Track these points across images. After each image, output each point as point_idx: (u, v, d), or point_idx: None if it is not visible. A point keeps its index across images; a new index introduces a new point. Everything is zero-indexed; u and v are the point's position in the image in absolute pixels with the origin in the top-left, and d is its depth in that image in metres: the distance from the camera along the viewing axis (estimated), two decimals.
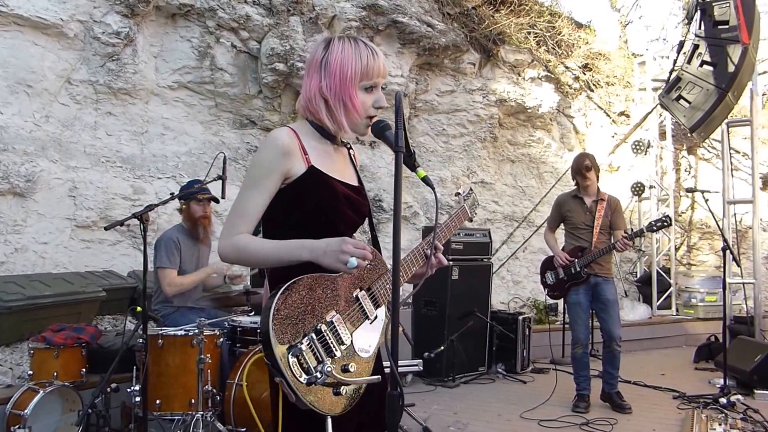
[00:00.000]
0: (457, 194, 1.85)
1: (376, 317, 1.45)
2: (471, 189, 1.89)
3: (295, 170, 1.40)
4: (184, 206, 3.50)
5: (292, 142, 1.41)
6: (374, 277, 1.47)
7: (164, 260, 3.34)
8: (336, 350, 1.34)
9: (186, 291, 3.41)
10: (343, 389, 1.32)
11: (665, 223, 3.97)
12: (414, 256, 1.54)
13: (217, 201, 3.43)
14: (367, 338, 1.42)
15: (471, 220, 1.85)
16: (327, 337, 1.33)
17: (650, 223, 4.02)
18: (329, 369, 1.28)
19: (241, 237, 1.39)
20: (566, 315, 5.41)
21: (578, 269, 3.92)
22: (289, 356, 1.26)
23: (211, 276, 3.56)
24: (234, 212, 1.41)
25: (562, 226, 4.21)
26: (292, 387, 1.25)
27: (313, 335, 1.31)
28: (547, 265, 4.19)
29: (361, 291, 1.43)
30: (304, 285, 1.32)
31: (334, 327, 1.35)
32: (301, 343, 1.28)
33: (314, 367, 1.28)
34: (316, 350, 1.30)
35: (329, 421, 1.33)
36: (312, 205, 1.41)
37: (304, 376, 1.27)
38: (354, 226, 1.54)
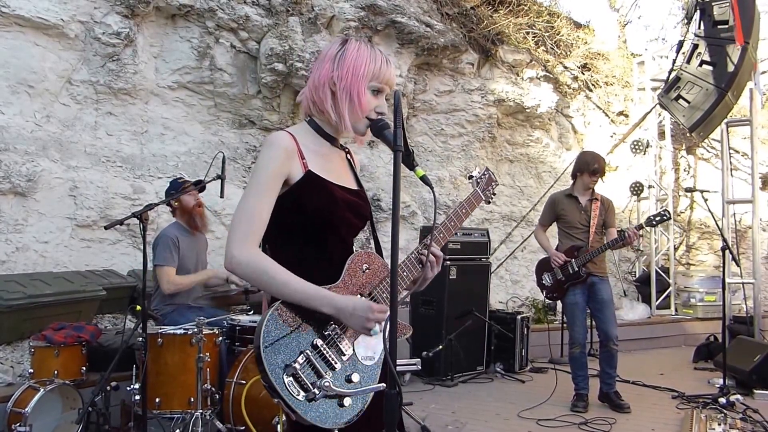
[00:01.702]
0: (470, 177, 1.78)
1: None
2: (487, 169, 1.82)
3: (294, 175, 1.40)
4: (176, 204, 3.52)
5: (291, 145, 1.41)
6: (375, 282, 1.45)
7: (163, 258, 3.36)
8: (336, 363, 1.33)
9: (184, 290, 3.43)
10: (347, 400, 1.31)
11: (665, 218, 3.91)
12: (410, 261, 1.51)
13: (203, 188, 3.45)
14: (371, 345, 1.41)
15: (488, 203, 1.79)
16: (325, 351, 1.32)
17: (649, 217, 3.95)
18: (327, 384, 1.27)
19: (266, 261, 1.34)
20: (563, 315, 5.44)
21: (576, 269, 3.91)
22: (284, 376, 1.24)
23: (211, 278, 3.58)
24: (244, 218, 1.35)
25: (554, 224, 4.19)
26: (290, 407, 1.24)
27: (309, 351, 1.30)
28: (543, 266, 4.15)
29: (361, 298, 1.41)
30: None
31: (333, 340, 1.34)
32: (296, 362, 1.26)
33: (312, 383, 1.27)
34: (314, 366, 1.29)
35: None
36: (312, 211, 1.40)
37: (302, 393, 1.25)
38: (355, 230, 1.53)
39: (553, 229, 4.20)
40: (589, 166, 3.91)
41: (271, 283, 1.33)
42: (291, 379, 1.25)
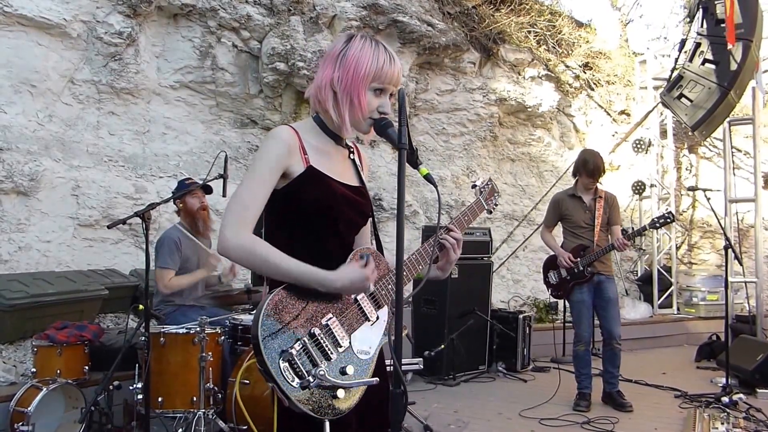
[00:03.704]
0: (474, 186, 1.81)
1: (377, 318, 1.44)
2: (490, 179, 1.85)
3: (295, 169, 1.41)
4: (180, 205, 3.52)
5: (293, 140, 1.42)
6: (376, 278, 1.46)
7: (164, 260, 3.36)
8: (332, 353, 1.33)
9: (182, 291, 3.44)
10: (341, 392, 1.32)
11: (668, 220, 3.95)
12: (420, 254, 1.52)
13: (209, 191, 3.45)
14: (367, 340, 1.42)
15: (490, 213, 1.81)
16: (322, 341, 1.32)
17: (653, 219, 3.99)
18: (322, 373, 1.28)
19: (259, 242, 1.35)
20: (566, 314, 5.44)
21: (581, 268, 3.92)
22: (280, 361, 1.25)
23: (206, 277, 3.57)
24: (239, 205, 1.37)
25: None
26: (284, 392, 1.25)
27: (306, 339, 1.31)
28: (550, 264, 4.18)
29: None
30: (298, 288, 1.33)
31: (330, 330, 1.35)
32: (293, 348, 1.27)
33: (307, 371, 1.28)
34: (310, 354, 1.30)
35: (327, 424, 1.33)
36: (310, 205, 1.41)
37: (296, 380, 1.26)
38: (355, 227, 1.53)
39: (558, 227, 4.20)
40: (587, 167, 3.92)
41: (264, 264, 1.34)
42: (286, 364, 1.26)
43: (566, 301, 4.39)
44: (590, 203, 3.99)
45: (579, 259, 3.93)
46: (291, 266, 1.33)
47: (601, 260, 3.92)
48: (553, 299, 6.29)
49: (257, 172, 1.39)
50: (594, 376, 4.05)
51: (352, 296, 1.41)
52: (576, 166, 4.04)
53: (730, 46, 4.74)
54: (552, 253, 4.16)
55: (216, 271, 3.58)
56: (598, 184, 4.02)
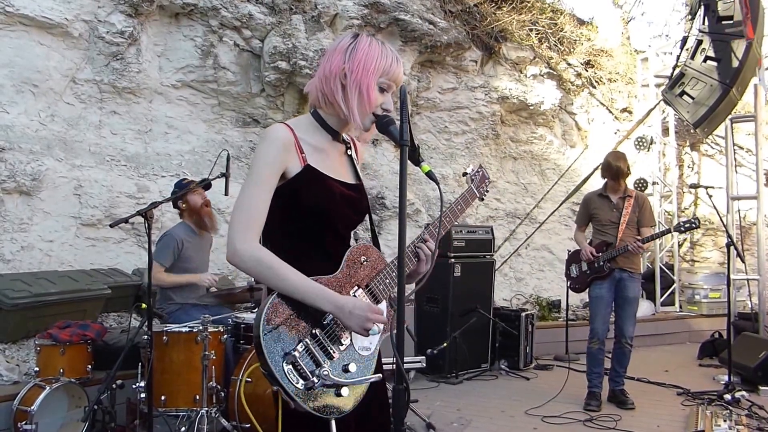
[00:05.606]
0: (465, 174, 1.79)
1: None
2: (481, 166, 1.83)
3: (292, 168, 1.40)
4: (183, 205, 3.53)
5: (288, 138, 1.41)
6: (372, 273, 1.46)
7: (159, 255, 3.42)
8: (334, 352, 1.34)
9: (183, 289, 3.46)
10: (345, 390, 1.32)
11: (693, 225, 4.02)
12: (407, 254, 1.51)
13: (208, 186, 3.46)
14: (368, 336, 1.42)
15: (482, 200, 1.79)
16: (323, 340, 1.33)
17: (678, 223, 4.06)
18: (326, 372, 1.28)
19: (269, 255, 1.35)
20: (568, 311, 5.45)
21: (601, 263, 3.96)
22: (283, 364, 1.26)
23: (192, 284, 3.57)
24: (244, 211, 1.36)
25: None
26: (290, 394, 1.25)
27: (308, 340, 1.31)
28: (573, 258, 4.26)
29: (359, 289, 1.43)
30: None
31: (331, 329, 1.35)
32: (296, 350, 1.28)
33: (311, 372, 1.28)
34: (312, 354, 1.30)
35: (333, 423, 1.33)
36: (309, 205, 1.41)
37: (301, 382, 1.27)
38: (353, 225, 1.53)
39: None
40: (610, 171, 4.00)
41: (272, 278, 1.34)
42: (290, 367, 1.26)
43: (571, 295, 4.42)
44: (618, 202, 4.03)
45: (601, 254, 3.97)
46: (298, 284, 1.32)
47: (626, 256, 3.93)
48: (555, 297, 6.32)
49: (257, 175, 1.38)
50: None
51: (351, 292, 1.41)
52: (601, 169, 4.13)
53: (743, 42, 4.72)
54: (578, 248, 4.21)
55: (206, 285, 3.60)
56: (626, 185, 4.07)
